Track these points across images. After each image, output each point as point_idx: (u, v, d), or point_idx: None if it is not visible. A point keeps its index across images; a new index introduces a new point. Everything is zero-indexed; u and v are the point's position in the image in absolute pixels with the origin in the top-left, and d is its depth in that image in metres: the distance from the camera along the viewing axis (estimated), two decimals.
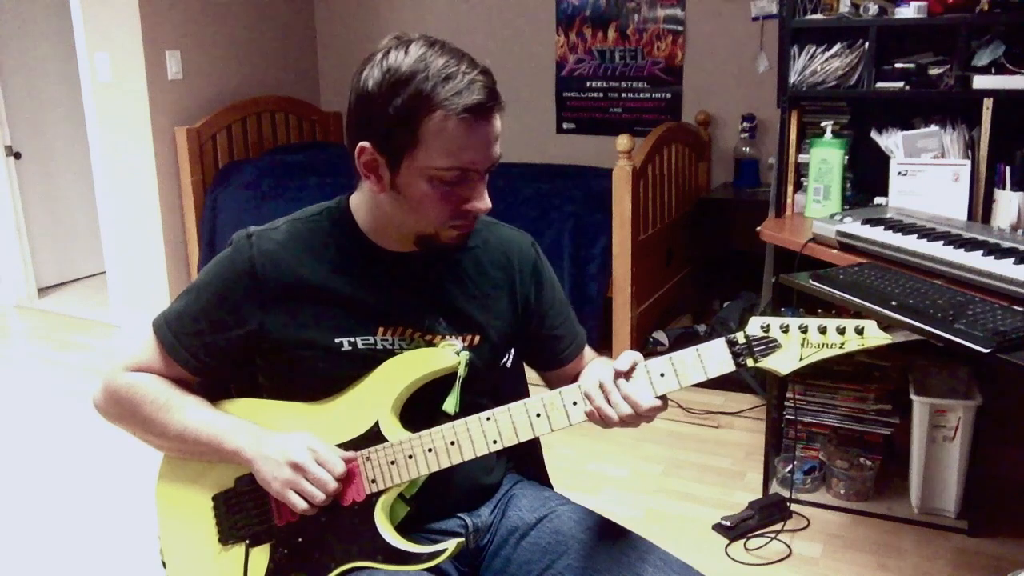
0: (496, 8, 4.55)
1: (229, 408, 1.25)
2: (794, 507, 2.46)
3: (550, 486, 1.43)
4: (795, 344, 1.09)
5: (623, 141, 3.22)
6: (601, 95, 4.43)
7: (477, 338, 1.25)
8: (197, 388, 1.27)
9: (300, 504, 1.13)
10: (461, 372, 1.20)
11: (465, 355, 1.20)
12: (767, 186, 3.26)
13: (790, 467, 2.56)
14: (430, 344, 1.22)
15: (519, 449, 1.26)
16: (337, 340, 1.19)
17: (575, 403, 1.12)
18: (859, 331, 1.07)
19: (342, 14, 5.00)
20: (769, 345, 1.09)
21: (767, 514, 2.41)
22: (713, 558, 2.28)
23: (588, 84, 4.44)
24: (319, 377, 1.21)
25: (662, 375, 1.10)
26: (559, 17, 4.44)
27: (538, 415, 1.13)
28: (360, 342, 1.20)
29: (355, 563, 1.16)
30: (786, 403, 2.59)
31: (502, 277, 1.29)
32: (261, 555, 1.20)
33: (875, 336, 1.08)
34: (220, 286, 1.21)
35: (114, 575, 2.29)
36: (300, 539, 1.18)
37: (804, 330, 1.08)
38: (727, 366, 1.09)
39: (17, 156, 4.54)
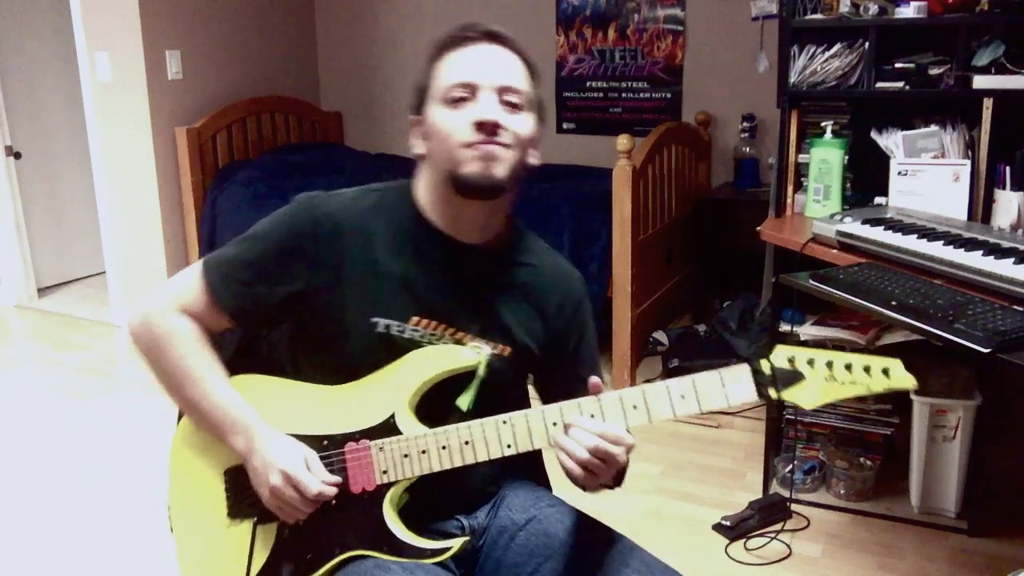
0: (496, 8, 4.54)
1: (254, 385, 1.25)
2: (794, 507, 2.46)
3: (548, 485, 1.43)
4: (819, 379, 1.08)
5: (623, 141, 3.22)
6: (601, 95, 4.43)
7: (507, 350, 1.25)
8: (225, 356, 1.27)
9: (282, 517, 1.18)
10: (481, 372, 1.20)
11: (486, 355, 1.20)
12: (767, 186, 3.26)
13: (790, 467, 2.56)
14: (458, 343, 1.22)
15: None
16: (373, 320, 1.20)
17: (592, 416, 1.12)
18: (885, 372, 1.07)
19: (342, 14, 4.99)
20: (793, 377, 1.09)
21: (767, 514, 2.41)
22: (713, 558, 2.28)
23: (588, 84, 4.44)
24: (346, 354, 1.21)
25: (683, 397, 1.10)
26: (559, 17, 4.43)
27: (554, 424, 1.13)
28: (394, 327, 1.20)
29: (360, 551, 1.16)
30: (786, 403, 2.58)
31: (544, 302, 1.29)
32: (268, 533, 1.21)
33: (901, 377, 1.07)
34: (277, 239, 1.22)
35: (114, 574, 2.29)
36: (307, 522, 1.18)
37: (830, 366, 1.08)
38: (749, 395, 1.10)
39: (17, 156, 4.54)
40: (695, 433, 3.00)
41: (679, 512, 2.51)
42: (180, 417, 1.31)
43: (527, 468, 1.41)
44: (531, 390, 1.46)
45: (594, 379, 1.13)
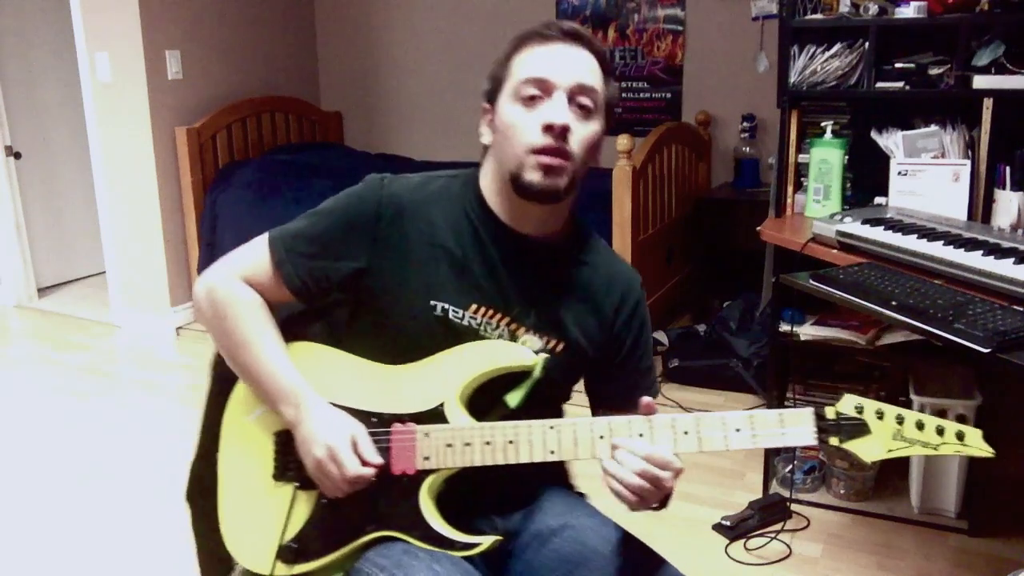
0: (496, 8, 4.55)
1: (307, 354, 1.27)
2: (794, 507, 2.46)
3: (571, 486, 1.41)
4: (886, 434, 1.06)
5: (623, 141, 3.22)
6: None
7: (561, 345, 1.25)
8: (285, 325, 1.29)
9: (324, 490, 1.19)
10: (537, 373, 1.19)
11: (543, 357, 1.20)
12: (767, 186, 3.26)
13: (790, 467, 2.56)
14: (513, 334, 1.23)
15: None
16: (432, 303, 1.21)
17: (641, 435, 1.10)
18: (959, 436, 1.04)
19: (342, 14, 4.99)
20: (859, 428, 1.06)
21: (767, 514, 2.41)
22: (713, 558, 2.28)
23: None
24: (403, 334, 1.22)
25: (738, 430, 1.09)
26: (559, 17, 4.43)
27: (601, 437, 1.12)
28: (451, 311, 1.21)
29: (392, 532, 1.17)
30: (786, 403, 2.58)
31: (601, 302, 1.29)
32: (307, 500, 1.22)
33: (976, 447, 1.04)
34: (342, 216, 1.24)
35: (114, 574, 2.29)
36: (346, 496, 1.19)
37: (900, 421, 1.05)
38: (809, 439, 1.07)
39: (17, 156, 4.54)
40: None
41: (679, 512, 2.51)
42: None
43: (558, 475, 1.40)
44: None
45: (646, 399, 1.12)
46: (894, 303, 1.72)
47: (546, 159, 1.16)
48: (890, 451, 1.05)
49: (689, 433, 1.10)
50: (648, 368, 1.35)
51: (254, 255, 1.27)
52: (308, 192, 3.87)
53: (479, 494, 1.24)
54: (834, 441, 1.06)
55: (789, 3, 2.46)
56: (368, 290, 1.24)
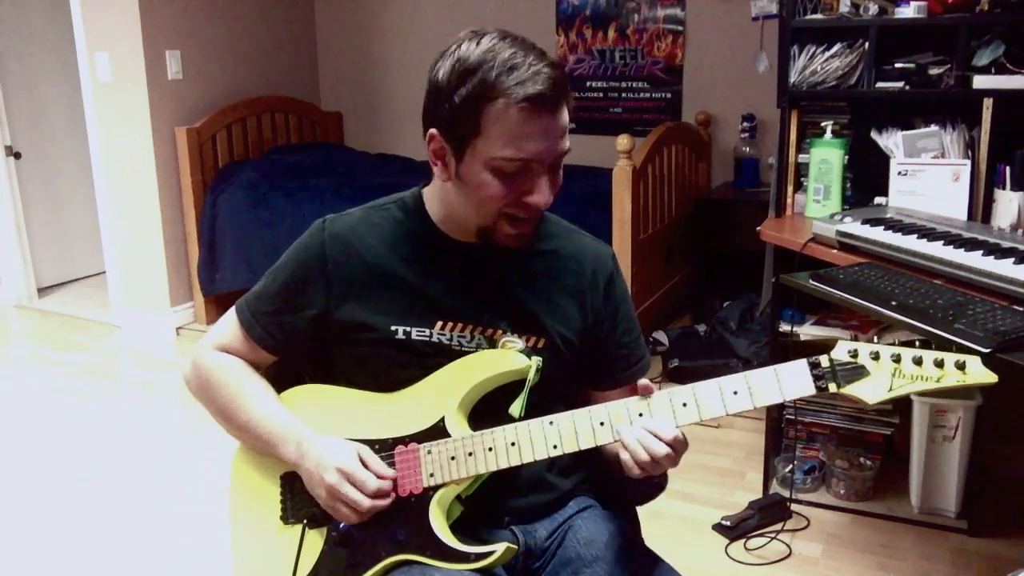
0: (496, 8, 4.55)
1: (305, 395, 1.28)
2: (794, 507, 2.46)
3: (625, 510, 1.38)
4: (885, 373, 1.04)
5: (623, 141, 3.22)
6: (601, 95, 4.43)
7: (542, 341, 1.24)
8: (273, 376, 1.31)
9: (340, 518, 1.17)
10: (531, 377, 1.18)
11: (537, 360, 1.19)
12: (767, 186, 3.26)
13: (790, 467, 2.56)
14: (491, 340, 1.22)
15: (597, 468, 1.27)
16: (393, 328, 1.21)
17: (640, 414, 1.10)
18: (960, 366, 1.01)
19: (342, 14, 5.00)
20: (856, 371, 1.04)
21: (767, 514, 2.41)
22: (713, 558, 2.28)
23: (588, 84, 4.44)
24: (378, 363, 1.23)
25: (735, 393, 1.08)
26: (559, 17, 4.43)
27: (601, 423, 1.11)
28: (415, 333, 1.21)
29: (406, 555, 1.16)
30: (786, 403, 2.58)
31: (574, 285, 1.27)
32: (317, 537, 1.22)
33: (978, 373, 1.01)
34: (294, 268, 1.27)
35: (114, 574, 2.29)
36: (355, 526, 1.18)
37: (897, 359, 1.03)
38: (806, 389, 1.05)
39: (17, 156, 4.54)
40: (695, 433, 2.98)
41: (679, 512, 2.51)
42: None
43: (604, 481, 1.35)
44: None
45: (643, 381, 1.12)
46: (894, 303, 1.72)
47: (524, 226, 1.17)
48: (891, 390, 1.03)
49: (688, 404, 1.10)
50: (634, 340, 1.33)
51: (225, 326, 1.31)
52: (308, 192, 3.87)
53: (496, 503, 1.23)
54: (832, 387, 1.04)
55: (789, 3, 2.46)
56: (335, 329, 1.25)
